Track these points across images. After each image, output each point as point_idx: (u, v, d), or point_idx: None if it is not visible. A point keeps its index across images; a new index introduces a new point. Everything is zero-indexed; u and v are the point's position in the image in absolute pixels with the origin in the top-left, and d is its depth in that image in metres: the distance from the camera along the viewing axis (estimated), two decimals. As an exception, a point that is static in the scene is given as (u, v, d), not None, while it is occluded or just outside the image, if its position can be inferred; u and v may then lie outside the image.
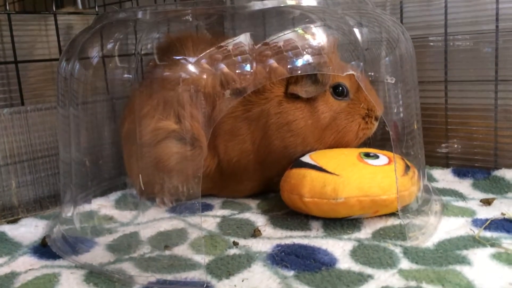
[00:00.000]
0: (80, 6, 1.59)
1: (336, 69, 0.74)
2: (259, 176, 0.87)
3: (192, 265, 0.63)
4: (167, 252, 0.67)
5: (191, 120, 0.75)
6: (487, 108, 0.94)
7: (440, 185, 0.89)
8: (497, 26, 0.90)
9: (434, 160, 1.00)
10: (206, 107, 0.72)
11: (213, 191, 0.90)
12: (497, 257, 0.59)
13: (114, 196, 0.92)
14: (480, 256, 0.60)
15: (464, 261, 0.59)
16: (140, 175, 0.77)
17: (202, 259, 0.64)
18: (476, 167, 0.94)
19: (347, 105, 0.84)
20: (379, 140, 0.92)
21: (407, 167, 0.74)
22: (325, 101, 0.83)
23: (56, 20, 0.97)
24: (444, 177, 0.93)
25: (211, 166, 0.84)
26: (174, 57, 0.73)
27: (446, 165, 0.98)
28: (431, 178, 0.93)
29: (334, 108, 0.83)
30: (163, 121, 0.77)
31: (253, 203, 0.87)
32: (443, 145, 1.00)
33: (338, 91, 0.84)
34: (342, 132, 0.84)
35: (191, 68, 0.68)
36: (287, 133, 0.81)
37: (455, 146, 0.99)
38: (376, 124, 0.87)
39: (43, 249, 0.73)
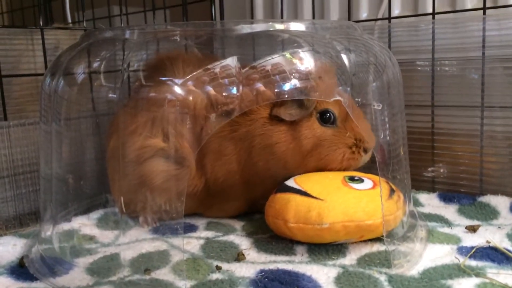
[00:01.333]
0: (69, 19, 1.58)
1: (323, 95, 0.73)
2: (245, 196, 0.86)
3: (173, 291, 0.62)
4: (147, 276, 0.65)
5: (179, 139, 0.74)
6: (473, 133, 0.95)
7: (426, 210, 0.89)
8: (483, 53, 0.92)
9: (420, 184, 1.00)
10: (195, 127, 0.72)
11: (199, 210, 0.89)
12: (482, 287, 0.59)
13: (96, 214, 0.91)
14: (465, 286, 0.59)
15: (448, 291, 0.59)
16: (122, 194, 0.76)
17: (183, 284, 0.62)
18: (462, 192, 0.95)
19: (332, 132, 0.82)
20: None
21: (392, 191, 0.74)
22: (309, 126, 0.81)
23: (43, 35, 0.96)
24: (430, 202, 0.93)
25: (198, 185, 0.83)
26: (162, 77, 0.72)
27: (432, 190, 0.99)
28: (417, 203, 0.93)
29: (318, 135, 0.81)
30: (151, 139, 0.76)
31: (238, 224, 0.86)
32: (429, 169, 1.00)
33: (325, 118, 0.82)
34: (324, 160, 0.82)
35: (179, 89, 0.67)
36: (270, 156, 0.81)
37: (441, 170, 1.00)
38: (364, 155, 0.84)
39: (20, 269, 0.70)
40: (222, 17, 1.29)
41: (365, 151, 0.83)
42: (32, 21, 1.64)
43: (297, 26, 0.70)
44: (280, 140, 0.80)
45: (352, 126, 0.81)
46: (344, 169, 0.83)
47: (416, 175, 1.00)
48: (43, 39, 0.96)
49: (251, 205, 0.88)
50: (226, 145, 0.81)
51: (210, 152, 0.82)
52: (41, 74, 0.95)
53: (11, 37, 0.98)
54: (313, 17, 1.15)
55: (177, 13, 1.34)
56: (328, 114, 0.82)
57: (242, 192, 0.85)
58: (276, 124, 0.80)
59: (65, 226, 0.83)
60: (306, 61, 0.70)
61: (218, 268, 0.68)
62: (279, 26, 0.70)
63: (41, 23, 0.98)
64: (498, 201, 0.87)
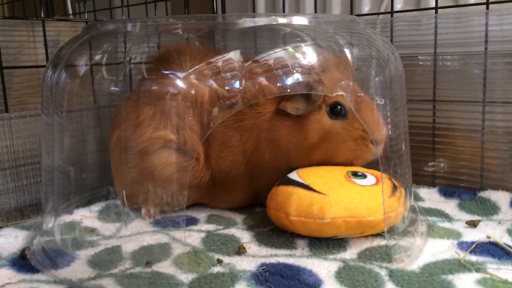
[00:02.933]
0: (70, 11, 1.58)
1: (326, 89, 0.73)
2: (249, 187, 0.87)
3: (174, 284, 0.62)
4: (149, 269, 0.66)
5: (189, 132, 0.75)
6: (474, 128, 0.95)
7: (426, 204, 0.89)
8: (486, 48, 0.91)
9: (421, 178, 1.00)
10: (202, 120, 0.73)
11: (204, 200, 0.90)
12: (483, 283, 0.59)
13: (98, 206, 0.91)
14: (465, 282, 0.59)
15: (449, 286, 0.59)
16: (125, 186, 0.76)
17: (185, 277, 0.63)
18: (462, 187, 0.95)
19: (341, 125, 0.80)
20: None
21: (395, 188, 0.74)
22: (318, 119, 0.79)
23: (44, 27, 0.96)
24: (430, 197, 0.93)
25: (205, 176, 0.84)
26: (171, 70, 0.72)
27: (432, 184, 0.99)
28: (417, 197, 0.93)
29: (326, 128, 0.80)
30: (160, 131, 0.76)
31: (239, 218, 0.86)
32: (430, 164, 1.01)
33: (336, 110, 0.80)
34: (330, 154, 0.81)
35: (188, 82, 0.67)
36: (274, 149, 0.81)
37: (442, 165, 1.00)
38: (373, 148, 0.80)
39: (22, 261, 0.71)
40: (223, 10, 1.28)
41: (374, 143, 0.80)
42: (33, 13, 1.63)
43: (299, 20, 0.70)
44: (283, 134, 0.80)
45: (362, 118, 0.77)
46: (352, 163, 0.82)
47: (417, 169, 1.00)
48: (44, 30, 0.96)
49: (254, 197, 0.88)
50: (231, 134, 0.82)
51: (216, 143, 0.82)
52: (43, 66, 0.95)
53: (12, 29, 0.97)
54: (315, 11, 1.15)
55: (179, 5, 1.33)
56: (339, 107, 0.80)
57: (246, 184, 0.86)
58: (282, 118, 0.80)
59: (66, 218, 0.83)
60: (308, 55, 0.70)
61: (219, 261, 0.68)
62: (281, 20, 0.69)
63: (42, 14, 0.98)
64: (498, 196, 0.87)
